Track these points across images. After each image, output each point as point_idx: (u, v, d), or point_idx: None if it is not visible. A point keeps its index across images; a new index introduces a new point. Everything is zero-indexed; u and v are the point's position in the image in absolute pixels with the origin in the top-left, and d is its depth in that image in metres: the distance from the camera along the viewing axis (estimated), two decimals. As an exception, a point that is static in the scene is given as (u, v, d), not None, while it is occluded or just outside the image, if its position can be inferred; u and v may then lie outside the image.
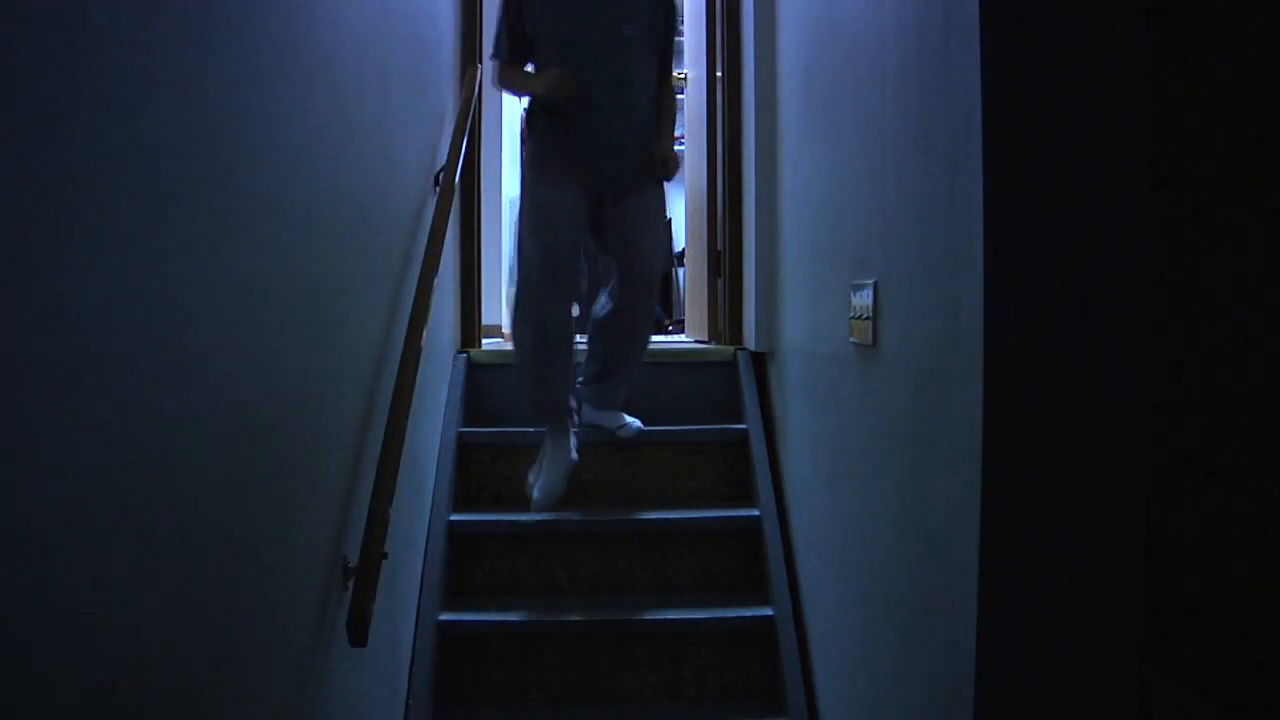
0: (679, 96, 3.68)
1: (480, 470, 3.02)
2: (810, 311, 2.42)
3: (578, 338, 2.92)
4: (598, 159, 2.74)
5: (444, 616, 2.58)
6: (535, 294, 2.70)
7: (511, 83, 2.90)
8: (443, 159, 2.91)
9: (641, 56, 2.75)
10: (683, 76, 4.34)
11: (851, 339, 1.86)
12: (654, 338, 3.19)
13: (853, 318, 1.85)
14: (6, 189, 0.75)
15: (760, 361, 3.22)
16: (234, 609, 1.24)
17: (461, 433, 3.04)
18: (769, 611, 2.62)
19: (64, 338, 0.84)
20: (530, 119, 2.84)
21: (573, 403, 2.91)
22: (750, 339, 3.24)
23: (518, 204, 2.92)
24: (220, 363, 1.19)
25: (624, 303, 2.87)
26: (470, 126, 3.09)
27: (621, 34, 2.69)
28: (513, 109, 4.83)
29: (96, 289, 0.89)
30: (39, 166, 0.80)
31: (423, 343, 2.20)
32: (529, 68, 2.85)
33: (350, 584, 1.73)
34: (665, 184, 2.92)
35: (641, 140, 2.78)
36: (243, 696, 1.27)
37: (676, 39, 2.89)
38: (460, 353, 3.39)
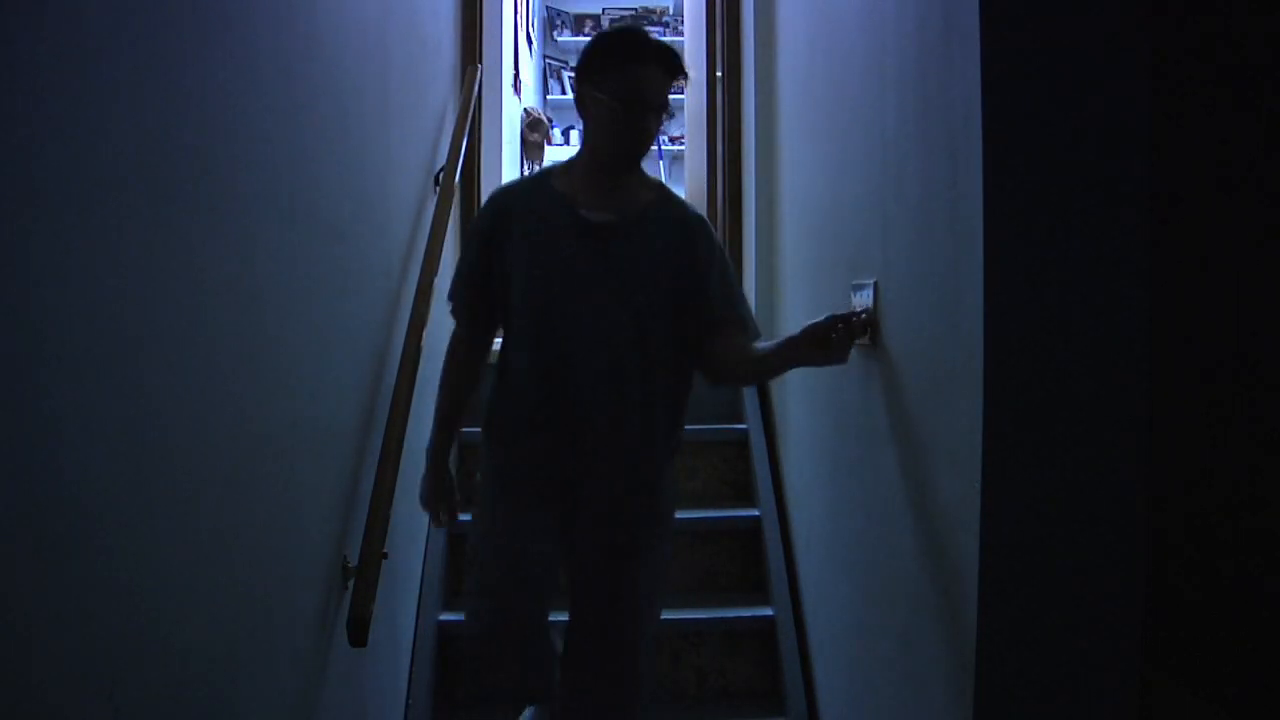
0: (679, 97, 3.27)
1: (480, 470, 3.02)
2: (810, 311, 2.42)
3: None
4: (581, 490, 1.82)
5: (444, 616, 2.58)
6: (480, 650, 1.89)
7: (448, 374, 1.92)
8: (443, 159, 2.91)
9: (661, 329, 1.76)
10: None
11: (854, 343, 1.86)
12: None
13: (853, 318, 1.84)
14: (8, 190, 0.75)
15: (760, 361, 3.21)
16: (234, 609, 1.24)
17: (462, 432, 3.03)
18: (769, 611, 2.62)
19: (65, 337, 0.84)
20: (489, 412, 1.89)
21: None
22: (750, 339, 3.23)
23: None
24: (220, 362, 1.19)
25: (583, 680, 1.87)
26: (470, 126, 3.09)
27: (632, 303, 1.74)
28: (513, 109, 4.80)
29: (97, 289, 0.89)
30: (40, 167, 0.80)
31: (423, 342, 2.20)
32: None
33: (350, 584, 1.73)
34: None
35: (653, 468, 1.83)
36: (243, 696, 1.27)
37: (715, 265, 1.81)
38: (460, 353, 3.38)
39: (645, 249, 1.77)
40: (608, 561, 1.84)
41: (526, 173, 2.02)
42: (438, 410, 1.93)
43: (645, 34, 1.76)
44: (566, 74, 6.71)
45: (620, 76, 1.67)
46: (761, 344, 1.81)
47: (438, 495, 1.93)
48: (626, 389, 1.76)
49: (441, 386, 1.93)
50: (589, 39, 1.75)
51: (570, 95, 1.88)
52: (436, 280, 2.38)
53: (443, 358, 1.92)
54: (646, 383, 1.77)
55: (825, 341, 1.60)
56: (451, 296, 1.90)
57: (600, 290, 1.75)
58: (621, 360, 1.75)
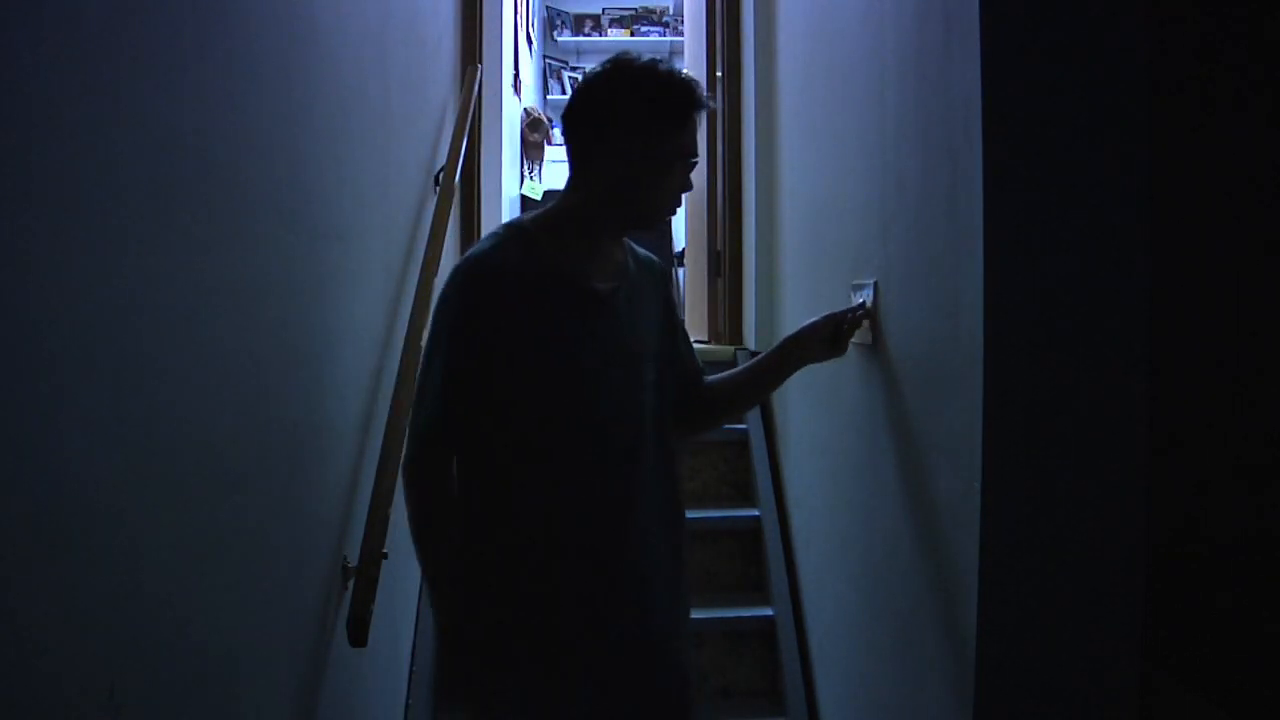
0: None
1: (480, 470, 3.02)
2: (810, 311, 2.41)
3: None
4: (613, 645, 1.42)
5: (444, 616, 2.58)
6: None
7: (438, 512, 1.45)
8: (443, 159, 2.91)
9: (668, 405, 1.52)
10: (683, 76, 4.33)
11: (851, 339, 1.86)
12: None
13: (853, 318, 1.84)
14: (8, 190, 0.75)
15: (760, 361, 3.22)
16: (234, 609, 1.24)
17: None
18: (769, 611, 2.62)
19: (67, 338, 0.84)
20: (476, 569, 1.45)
21: None
22: (750, 339, 3.24)
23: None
24: (221, 363, 1.19)
25: None
26: (470, 126, 3.09)
27: (652, 385, 1.47)
28: (513, 109, 4.79)
29: (98, 289, 0.89)
30: (40, 167, 0.80)
31: (423, 342, 2.19)
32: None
33: (350, 584, 1.73)
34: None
35: (680, 575, 1.52)
36: (243, 696, 1.27)
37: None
38: (460, 353, 3.38)
39: (646, 314, 1.50)
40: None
41: (503, 222, 1.73)
42: (437, 568, 1.46)
43: (684, 73, 1.46)
44: (567, 74, 6.70)
45: (685, 127, 1.39)
46: (741, 367, 1.74)
47: (472, 682, 1.41)
48: (664, 506, 1.47)
49: (431, 534, 1.45)
50: (625, 73, 1.38)
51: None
52: (437, 280, 2.38)
53: (412, 497, 1.45)
54: (674, 486, 1.52)
55: (827, 336, 1.65)
56: (429, 407, 1.40)
57: (626, 381, 1.43)
58: (655, 464, 1.45)
